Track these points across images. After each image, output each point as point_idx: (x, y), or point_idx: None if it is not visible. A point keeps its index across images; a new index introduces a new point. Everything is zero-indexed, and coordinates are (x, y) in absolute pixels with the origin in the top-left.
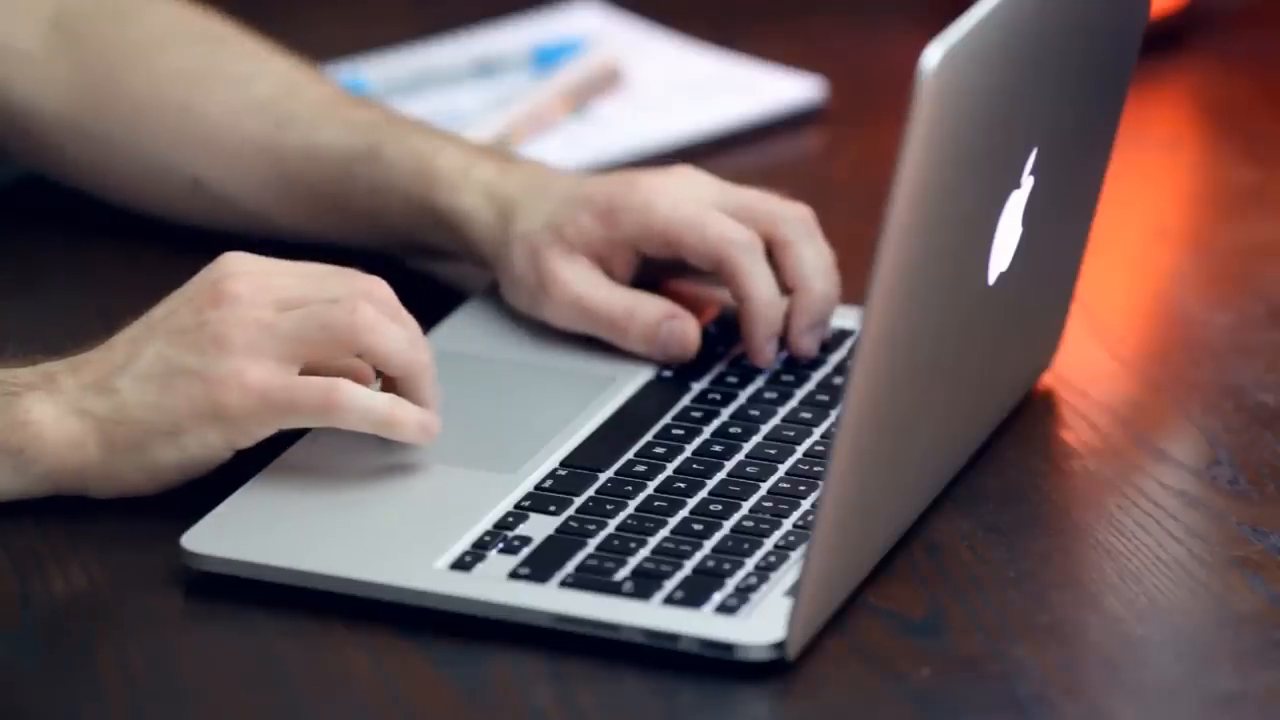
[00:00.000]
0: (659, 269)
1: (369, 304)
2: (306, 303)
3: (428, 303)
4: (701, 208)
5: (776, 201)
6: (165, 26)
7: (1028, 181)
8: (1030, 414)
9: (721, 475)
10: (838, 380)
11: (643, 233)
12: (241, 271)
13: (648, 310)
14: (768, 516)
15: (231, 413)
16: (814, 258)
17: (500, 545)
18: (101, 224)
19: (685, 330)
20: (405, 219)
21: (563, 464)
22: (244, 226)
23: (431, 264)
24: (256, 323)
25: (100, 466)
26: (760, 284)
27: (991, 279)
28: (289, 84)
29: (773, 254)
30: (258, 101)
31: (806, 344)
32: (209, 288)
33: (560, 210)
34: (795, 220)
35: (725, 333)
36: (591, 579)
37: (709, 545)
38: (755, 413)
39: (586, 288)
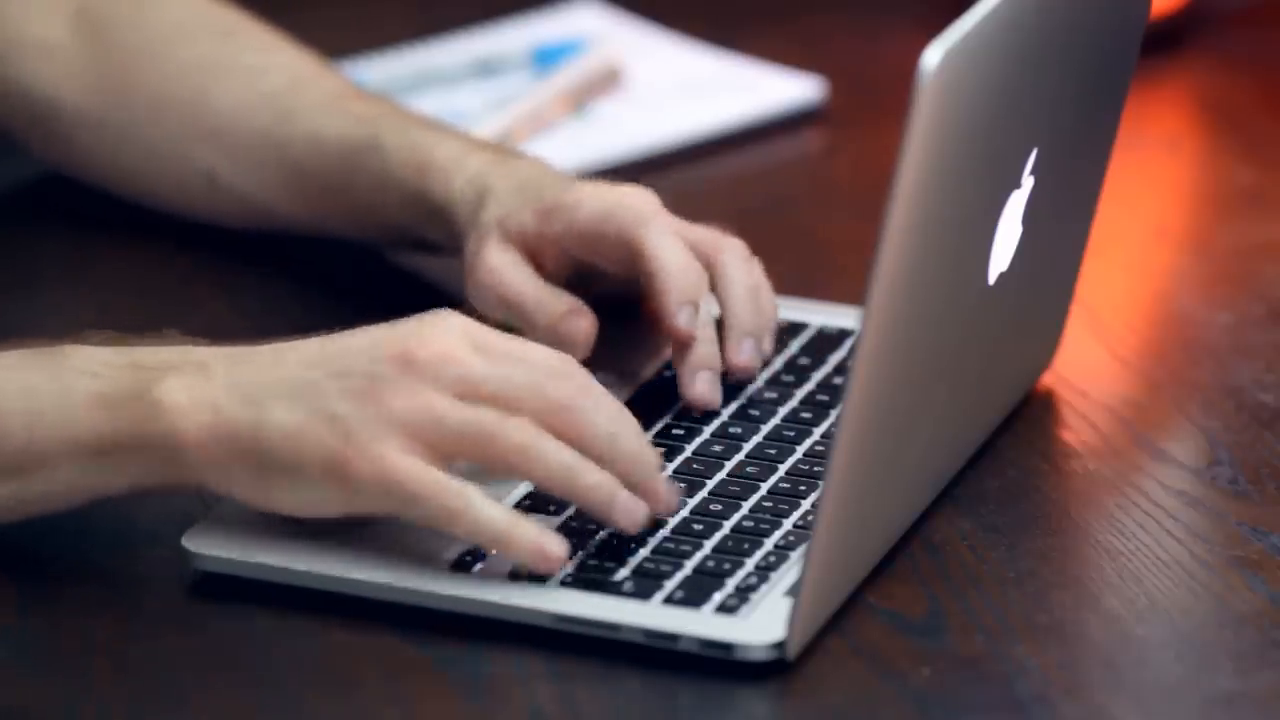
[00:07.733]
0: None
1: (539, 421)
2: (489, 392)
3: (427, 303)
4: (626, 210)
5: (715, 232)
6: (180, 18)
7: (1028, 181)
8: (1030, 414)
9: (721, 475)
10: (838, 380)
11: (567, 230)
12: (436, 338)
13: (553, 304)
14: (768, 516)
15: (355, 482)
16: (744, 280)
17: None
18: (102, 224)
19: (579, 327)
20: (403, 210)
21: None
22: (254, 222)
23: (430, 264)
24: (424, 404)
25: (220, 469)
26: (668, 251)
27: (991, 279)
28: (297, 77)
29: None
30: (266, 95)
31: (744, 358)
32: (400, 341)
33: (513, 202)
34: (729, 247)
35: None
36: (591, 579)
37: (709, 545)
38: (755, 413)
39: (506, 276)
